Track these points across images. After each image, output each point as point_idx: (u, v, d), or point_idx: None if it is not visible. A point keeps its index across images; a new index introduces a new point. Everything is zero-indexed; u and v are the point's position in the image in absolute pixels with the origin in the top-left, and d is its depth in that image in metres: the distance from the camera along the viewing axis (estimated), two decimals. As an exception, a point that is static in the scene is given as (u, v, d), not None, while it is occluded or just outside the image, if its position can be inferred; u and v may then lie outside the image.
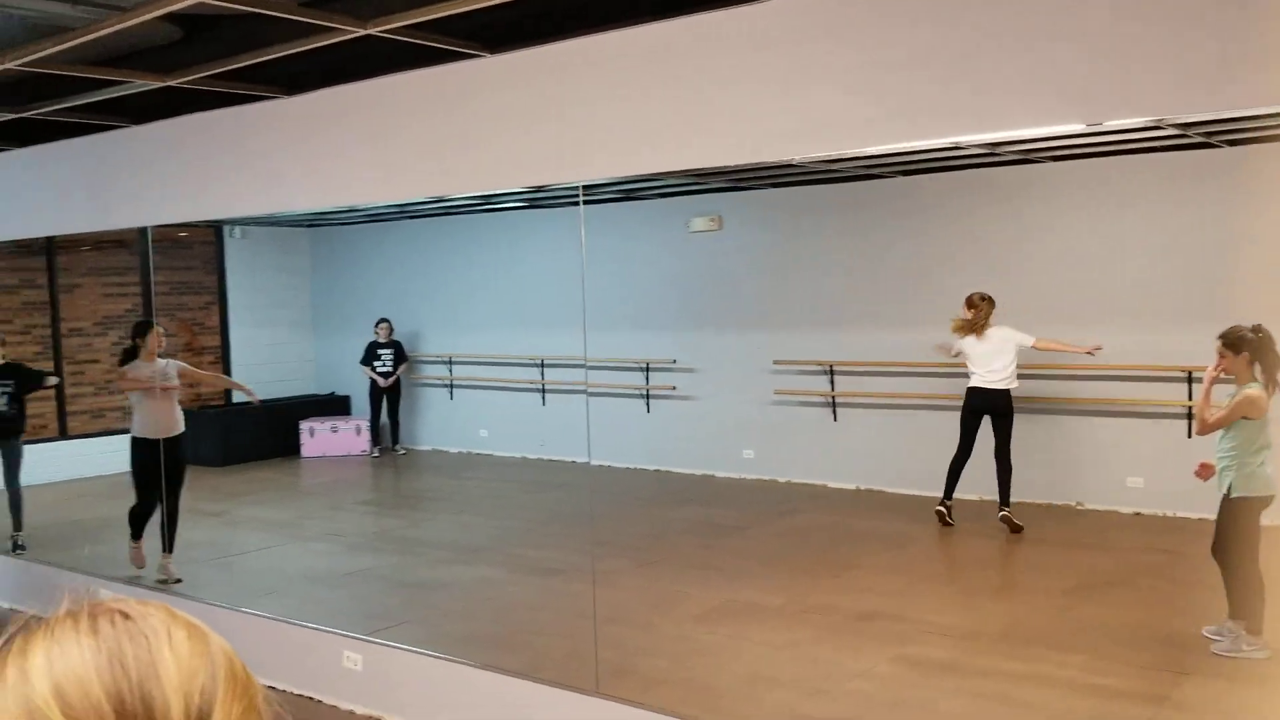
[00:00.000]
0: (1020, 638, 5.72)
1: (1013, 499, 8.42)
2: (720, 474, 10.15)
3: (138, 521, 7.20)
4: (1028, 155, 8.10)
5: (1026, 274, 8.85)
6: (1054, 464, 8.66)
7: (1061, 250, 8.67)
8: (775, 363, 9.83)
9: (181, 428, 7.26)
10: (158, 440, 7.06)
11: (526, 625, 6.37)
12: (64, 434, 11.34)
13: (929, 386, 9.31)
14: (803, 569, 7.27)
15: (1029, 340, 8.01)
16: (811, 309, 9.77)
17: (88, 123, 6.50)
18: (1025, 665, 5.36)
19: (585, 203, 5.19)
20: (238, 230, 12.69)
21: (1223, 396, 5.37)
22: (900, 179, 9.20)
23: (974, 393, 8.02)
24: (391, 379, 12.04)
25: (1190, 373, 8.08)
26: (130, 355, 7.18)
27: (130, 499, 7.20)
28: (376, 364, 11.99)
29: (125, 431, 11.42)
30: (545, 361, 11.46)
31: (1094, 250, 8.53)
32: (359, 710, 5.48)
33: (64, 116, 6.26)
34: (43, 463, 10.52)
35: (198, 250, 12.73)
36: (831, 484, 9.17)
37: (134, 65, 5.25)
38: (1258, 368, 5.26)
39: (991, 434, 7.92)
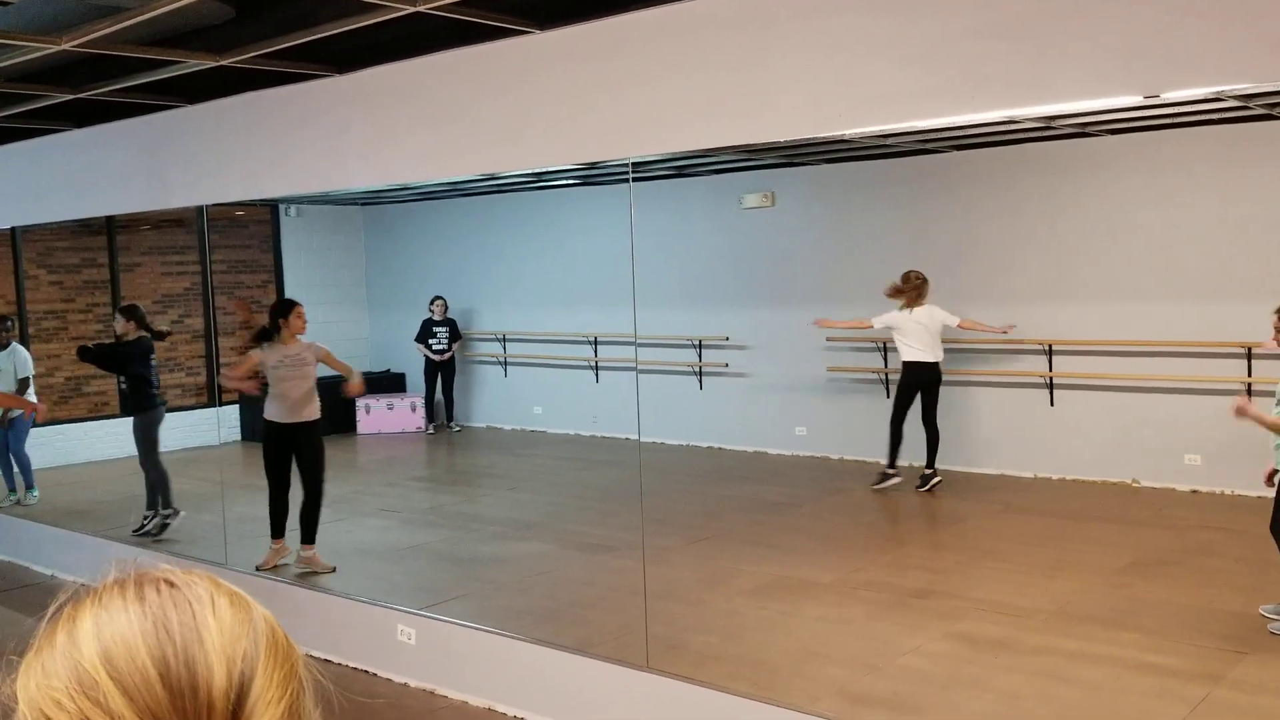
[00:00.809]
0: (1075, 615, 5.67)
1: (1069, 476, 8.36)
2: (773, 451, 10.13)
3: (276, 517, 6.86)
4: (1083, 129, 7.97)
5: (1083, 249, 8.72)
6: (1110, 441, 8.56)
7: (1118, 225, 8.53)
8: (828, 339, 9.78)
9: (317, 414, 6.87)
10: (287, 424, 6.75)
11: (578, 601, 6.41)
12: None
13: (982, 363, 9.22)
14: (855, 546, 7.24)
15: (954, 320, 8.48)
16: (865, 285, 9.67)
17: (143, 103, 6.58)
18: (1079, 643, 5.30)
19: (637, 179, 5.19)
20: (293, 209, 12.82)
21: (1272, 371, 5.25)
22: (954, 154, 9.09)
23: (910, 367, 8.50)
24: (446, 356, 12.13)
25: (1250, 348, 7.93)
26: (266, 335, 6.77)
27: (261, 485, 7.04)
28: (431, 341, 12.08)
29: (184, 409, 11.65)
30: (599, 339, 11.48)
31: (1151, 225, 8.38)
32: (412, 683, 5.55)
33: (120, 97, 6.34)
34: (105, 439, 10.75)
35: (254, 229, 12.89)
36: (884, 461, 9.10)
37: (188, 45, 5.31)
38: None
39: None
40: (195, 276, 11.92)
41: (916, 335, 8.47)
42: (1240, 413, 5.22)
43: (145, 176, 7.01)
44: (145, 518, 7.85)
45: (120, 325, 7.99)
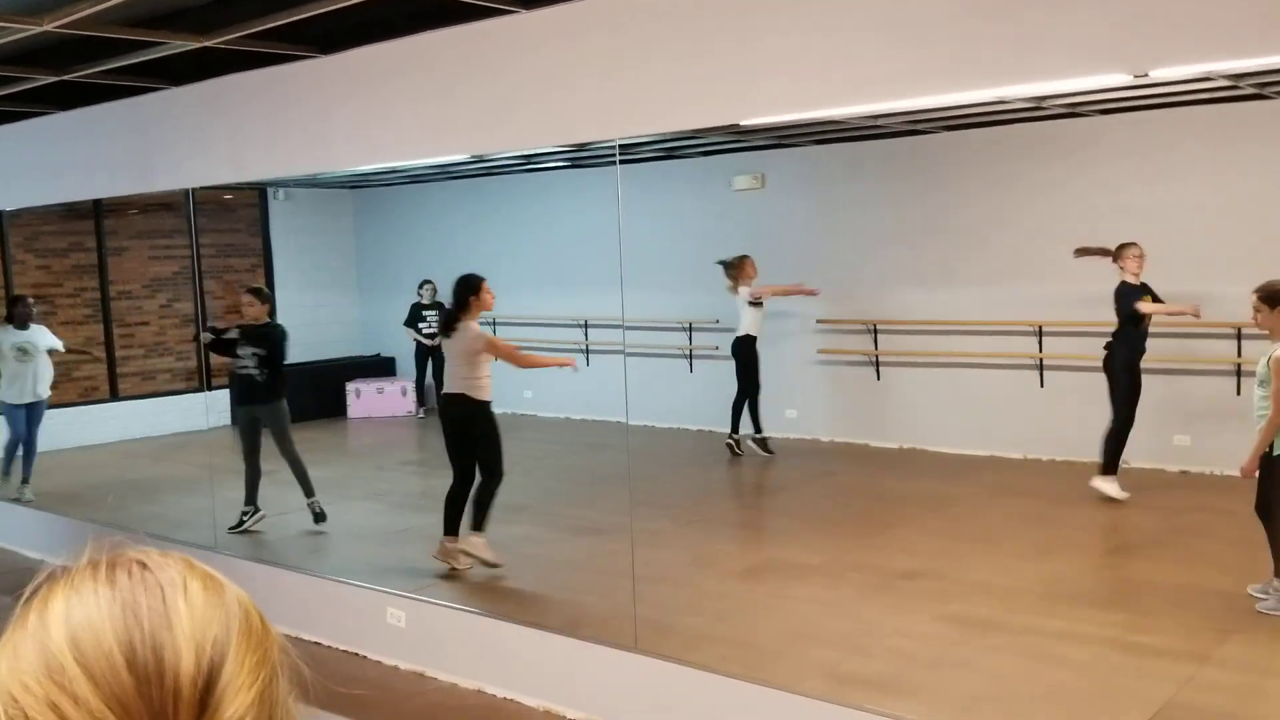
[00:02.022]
0: (1063, 596, 5.68)
1: (1059, 457, 8.37)
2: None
3: (453, 509, 6.43)
4: (1074, 109, 7.96)
5: (1073, 229, 8.71)
6: (1100, 422, 8.56)
7: (1109, 205, 8.52)
8: (818, 321, 9.77)
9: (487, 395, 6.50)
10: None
11: (568, 583, 6.41)
12: (115, 395, 11.53)
13: (973, 345, 9.22)
14: (844, 528, 7.25)
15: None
16: (855, 267, 9.68)
17: (128, 85, 6.54)
18: (1067, 624, 5.32)
19: (626, 161, 5.17)
20: (281, 192, 12.76)
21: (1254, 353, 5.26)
22: (945, 135, 9.07)
23: None
24: (436, 340, 12.09)
25: (1240, 329, 7.94)
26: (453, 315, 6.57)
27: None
28: (421, 325, 12.04)
29: (174, 393, 11.63)
30: (589, 322, 11.46)
31: (1142, 205, 8.37)
32: (402, 665, 5.56)
33: (104, 79, 6.30)
34: (95, 424, 10.73)
35: (242, 213, 12.84)
36: (874, 443, 9.12)
37: (172, 26, 5.27)
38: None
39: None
40: (184, 261, 11.87)
41: None
42: (1247, 474, 5.23)
43: (130, 159, 6.97)
44: (246, 513, 7.50)
45: (254, 309, 7.62)
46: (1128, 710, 4.35)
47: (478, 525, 6.37)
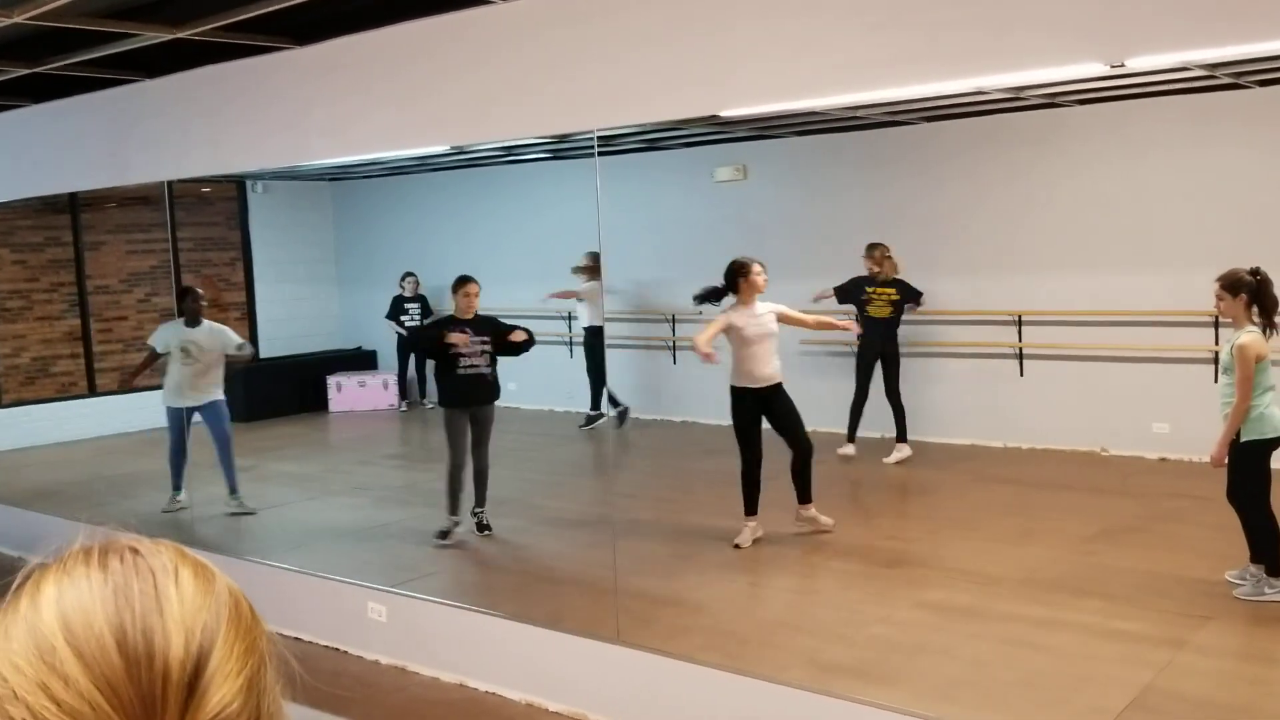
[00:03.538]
0: (1042, 583, 5.71)
1: (1039, 445, 8.40)
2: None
3: (752, 489, 6.57)
4: (1053, 100, 7.98)
5: (1052, 219, 8.75)
6: (1079, 410, 8.61)
7: (1088, 195, 8.55)
8: (803, 312, 9.76)
9: (780, 377, 6.60)
10: (760, 389, 6.51)
11: (550, 576, 6.41)
12: (92, 391, 11.46)
13: (953, 334, 9.25)
14: (826, 516, 7.25)
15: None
16: (837, 258, 9.68)
17: (102, 77, 6.49)
18: (1047, 610, 5.35)
19: (607, 153, 5.16)
20: (260, 185, 12.69)
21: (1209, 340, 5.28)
22: (925, 125, 9.08)
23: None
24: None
25: (1217, 317, 7.97)
26: (717, 296, 6.59)
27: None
28: (404, 318, 11.98)
29: (154, 389, 11.55)
30: (572, 314, 11.44)
31: (1120, 194, 8.41)
32: (384, 660, 5.54)
33: (77, 71, 6.25)
34: (72, 420, 10.66)
35: (221, 206, 12.76)
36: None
37: (145, 18, 5.23)
38: (1256, 311, 5.19)
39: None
40: (162, 255, 11.79)
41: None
42: (1217, 462, 5.27)
43: (106, 152, 6.92)
44: (455, 523, 6.92)
45: (470, 299, 7.24)
46: (1106, 695, 4.38)
47: (807, 498, 6.63)
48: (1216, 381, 7.99)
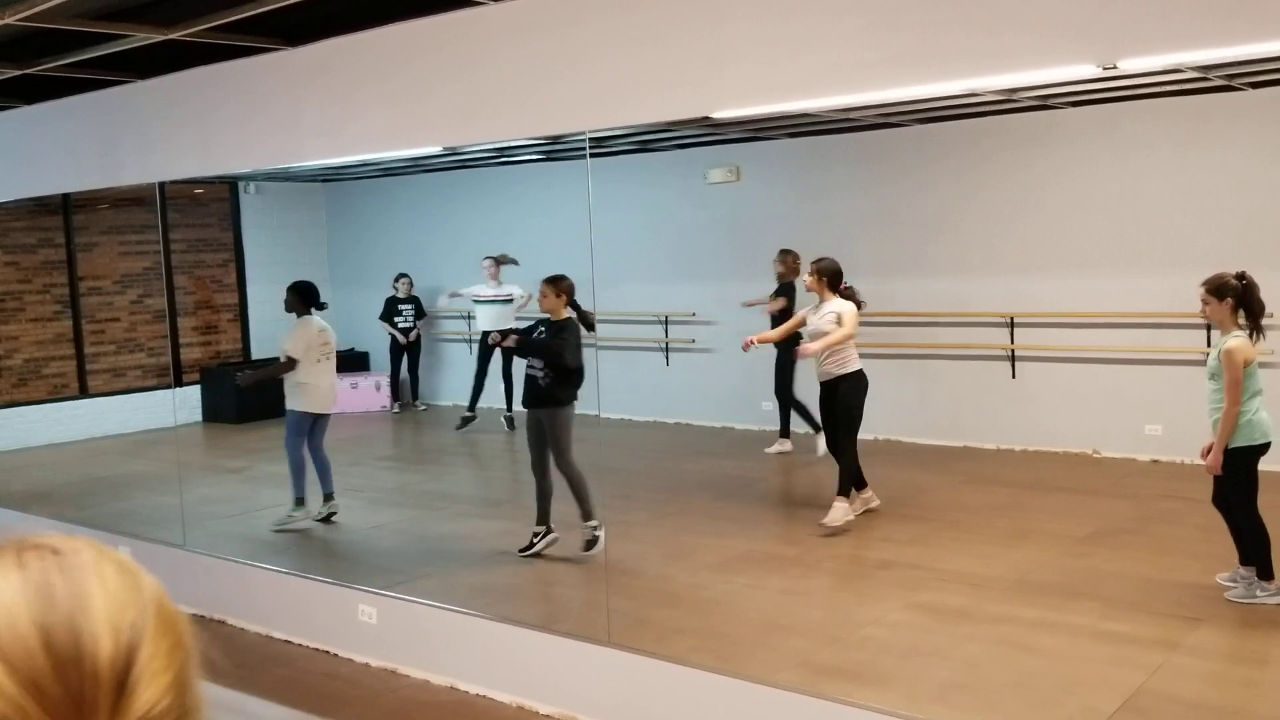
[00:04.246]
0: (1035, 585, 5.71)
1: (1031, 446, 8.40)
2: (739, 426, 10.13)
3: (854, 471, 7.04)
4: (1045, 101, 7.99)
5: (1044, 220, 8.76)
6: (1071, 412, 8.61)
7: (1080, 197, 8.56)
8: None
9: (836, 373, 6.93)
10: (826, 382, 7.01)
11: (542, 578, 6.40)
12: (84, 392, 11.43)
13: (946, 336, 9.25)
14: (819, 519, 7.25)
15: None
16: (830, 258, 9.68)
17: (94, 78, 6.48)
18: (1039, 612, 5.35)
19: (600, 154, 5.16)
20: (252, 186, 12.68)
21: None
22: (918, 127, 9.09)
23: None
24: (412, 334, 12.03)
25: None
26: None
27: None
28: (397, 319, 11.97)
29: (146, 389, 11.53)
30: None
31: (1113, 196, 8.42)
32: (374, 663, 5.53)
33: (69, 72, 6.24)
34: (64, 421, 10.63)
35: (213, 207, 12.75)
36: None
37: (136, 19, 5.22)
38: (1242, 315, 5.17)
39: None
40: (155, 256, 11.79)
41: None
42: (1213, 470, 5.27)
43: (97, 153, 6.91)
44: (536, 534, 6.60)
45: (549, 300, 6.75)
46: (1098, 697, 4.38)
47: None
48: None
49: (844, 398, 6.92)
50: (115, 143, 6.77)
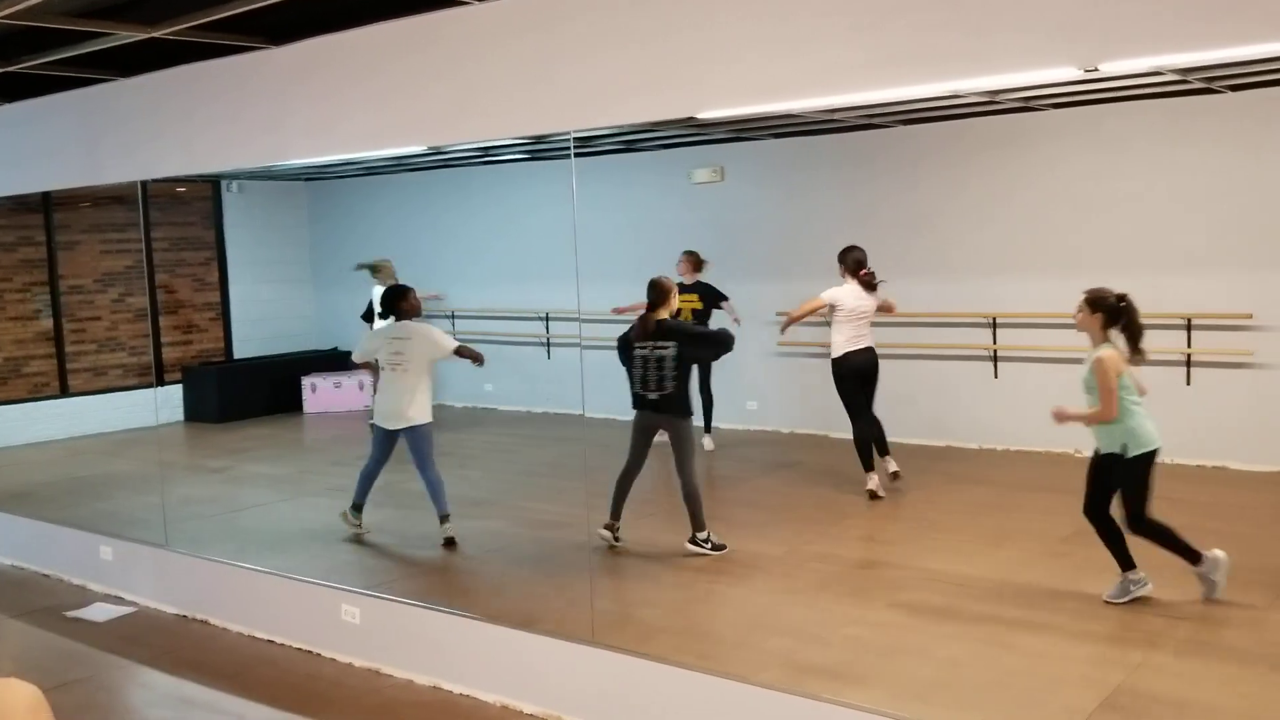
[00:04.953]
0: (1016, 584, 5.74)
1: (1013, 446, 8.43)
2: (724, 425, 10.13)
3: (866, 446, 7.68)
4: (1027, 103, 8.02)
5: (1026, 222, 8.80)
6: (1073, 419, 8.64)
7: (1061, 198, 8.61)
8: (778, 314, 9.78)
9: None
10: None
11: (526, 577, 6.39)
12: (65, 392, 11.37)
13: (929, 336, 9.28)
14: (804, 519, 7.28)
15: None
16: (813, 260, 9.70)
17: (77, 76, 6.45)
18: (1020, 611, 5.37)
19: (585, 154, 5.15)
20: (235, 185, 12.63)
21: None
22: (901, 128, 9.12)
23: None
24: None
25: (1189, 320, 8.04)
26: (859, 265, 7.73)
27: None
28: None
29: (127, 389, 11.49)
30: (550, 315, 11.44)
31: (1094, 197, 8.46)
32: (357, 663, 5.52)
33: (52, 70, 6.21)
34: (44, 420, 10.58)
35: (196, 206, 12.70)
36: (834, 434, 9.15)
37: (120, 17, 5.20)
38: (1116, 334, 5.29)
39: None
40: (136, 254, 11.74)
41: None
42: (1060, 417, 5.35)
43: (79, 151, 6.88)
44: (613, 528, 6.56)
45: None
46: (1078, 696, 4.40)
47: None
48: (1189, 383, 8.07)
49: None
50: (98, 141, 6.74)
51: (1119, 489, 5.36)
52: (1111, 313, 5.31)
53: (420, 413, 6.89)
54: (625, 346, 6.69)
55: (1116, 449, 5.31)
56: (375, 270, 9.70)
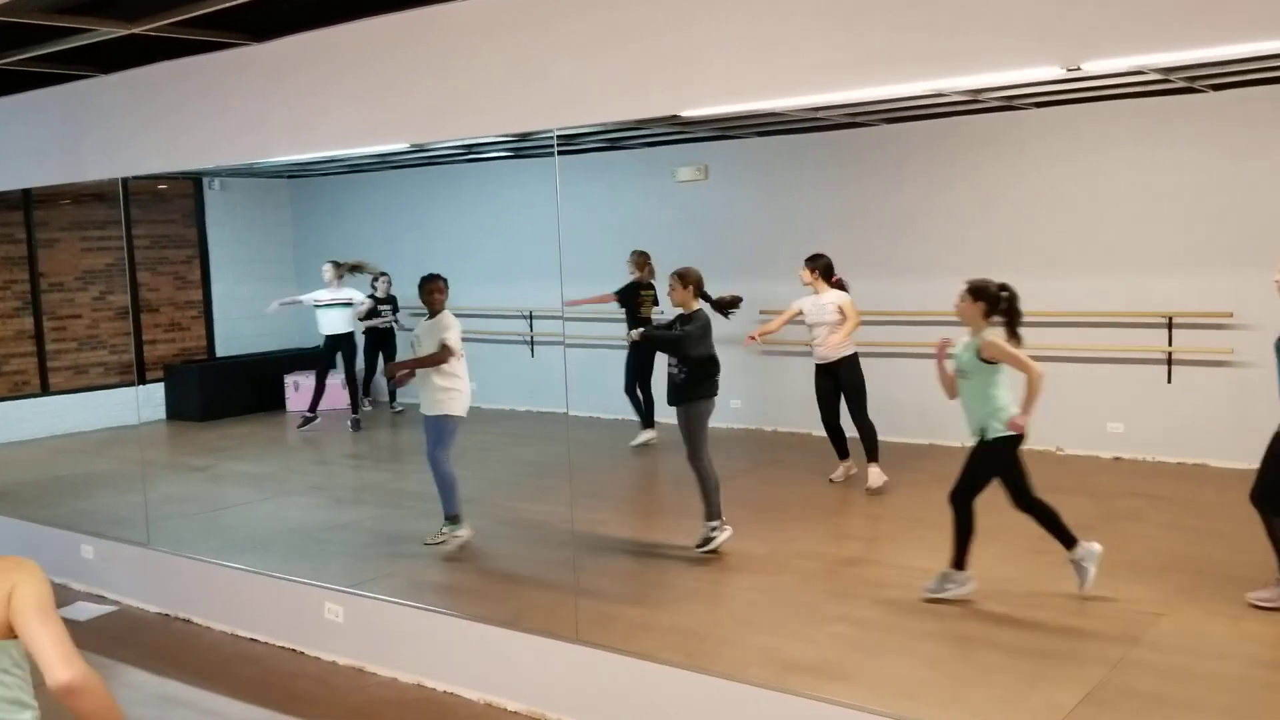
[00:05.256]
0: (998, 581, 5.75)
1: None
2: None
3: (837, 440, 8.04)
4: (1010, 102, 8.05)
5: (1009, 221, 8.83)
6: (1035, 409, 8.67)
7: (1044, 197, 8.64)
8: (761, 312, 9.79)
9: (849, 349, 7.94)
10: (827, 363, 7.96)
11: (510, 575, 6.39)
12: (45, 390, 11.31)
13: (913, 334, 9.30)
14: (788, 517, 7.29)
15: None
16: (797, 258, 9.71)
17: (57, 72, 6.41)
18: (1003, 608, 5.40)
19: (568, 152, 5.15)
20: (217, 182, 12.58)
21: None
22: (885, 127, 9.14)
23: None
24: (387, 321, 11.86)
25: (1170, 318, 8.08)
26: (830, 271, 7.85)
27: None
28: (378, 321, 11.81)
29: (108, 387, 11.43)
30: (534, 313, 11.42)
31: (1076, 196, 8.50)
32: (341, 661, 5.51)
33: (31, 66, 6.17)
34: (25, 419, 10.51)
35: (178, 203, 12.64)
36: (817, 432, 9.16)
37: (100, 13, 5.17)
38: (998, 322, 5.50)
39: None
40: (117, 252, 11.67)
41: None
42: (942, 348, 5.70)
43: (59, 148, 6.84)
44: (713, 530, 6.42)
45: (678, 294, 6.74)
46: (1060, 692, 4.42)
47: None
48: (1171, 381, 8.10)
49: (848, 375, 7.90)
50: (79, 138, 6.70)
51: (989, 475, 5.51)
52: (992, 301, 5.47)
53: (433, 405, 6.97)
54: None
55: (978, 434, 5.47)
56: (358, 269, 9.97)
